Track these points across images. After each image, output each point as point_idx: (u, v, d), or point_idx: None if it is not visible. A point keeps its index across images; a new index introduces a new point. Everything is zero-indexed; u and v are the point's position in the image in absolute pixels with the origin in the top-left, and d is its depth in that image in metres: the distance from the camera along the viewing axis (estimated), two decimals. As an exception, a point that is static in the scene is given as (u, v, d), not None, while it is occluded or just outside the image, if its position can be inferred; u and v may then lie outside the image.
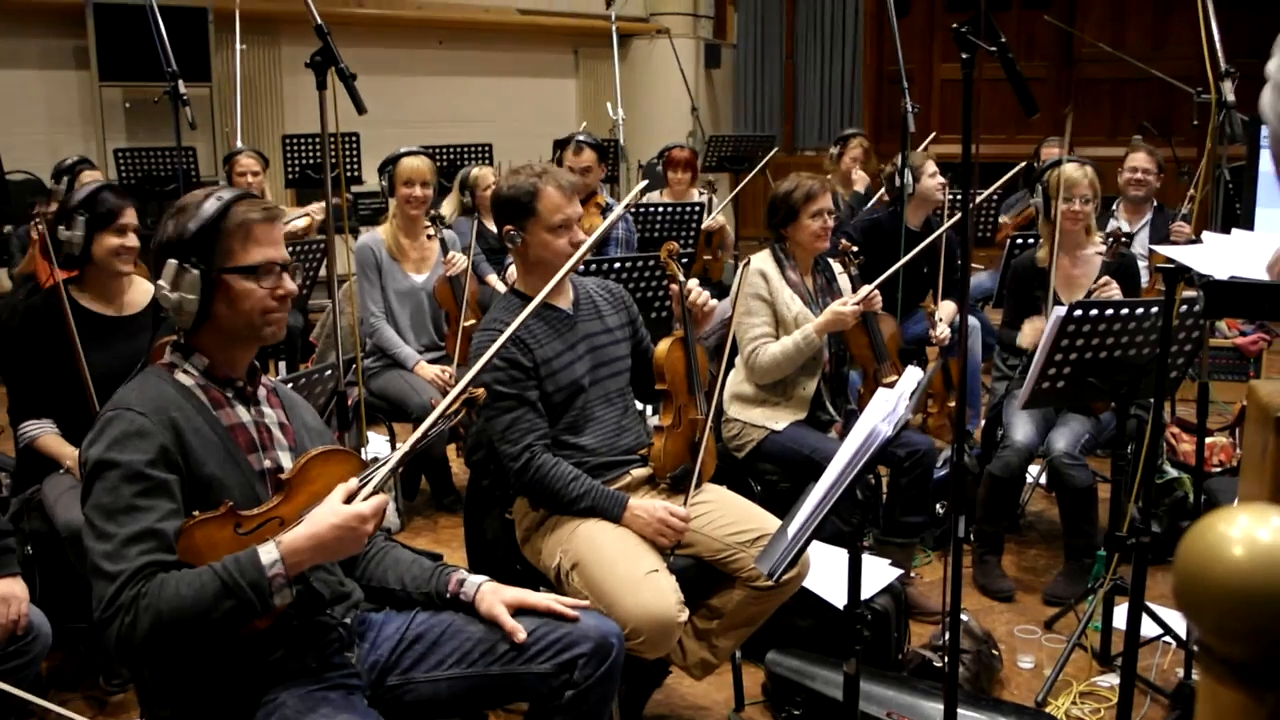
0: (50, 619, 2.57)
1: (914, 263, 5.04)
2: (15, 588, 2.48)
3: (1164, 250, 2.13)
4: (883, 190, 5.45)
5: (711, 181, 6.76)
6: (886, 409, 2.12)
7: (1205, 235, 2.23)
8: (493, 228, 3.34)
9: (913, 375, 2.23)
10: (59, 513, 3.01)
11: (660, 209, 5.64)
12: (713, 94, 11.66)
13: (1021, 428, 3.83)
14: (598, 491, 2.74)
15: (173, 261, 1.93)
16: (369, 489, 1.90)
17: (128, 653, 1.79)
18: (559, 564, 2.69)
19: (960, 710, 2.67)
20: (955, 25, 2.17)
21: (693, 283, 2.97)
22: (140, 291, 3.31)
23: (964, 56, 2.24)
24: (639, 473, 2.90)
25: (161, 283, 1.94)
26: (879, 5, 11.08)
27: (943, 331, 4.24)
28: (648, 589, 2.53)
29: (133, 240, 3.16)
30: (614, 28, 8.14)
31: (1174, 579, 0.82)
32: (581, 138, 5.22)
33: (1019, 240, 4.94)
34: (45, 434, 3.15)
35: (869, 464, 2.07)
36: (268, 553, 1.81)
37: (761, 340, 3.61)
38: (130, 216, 3.16)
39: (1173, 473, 4.07)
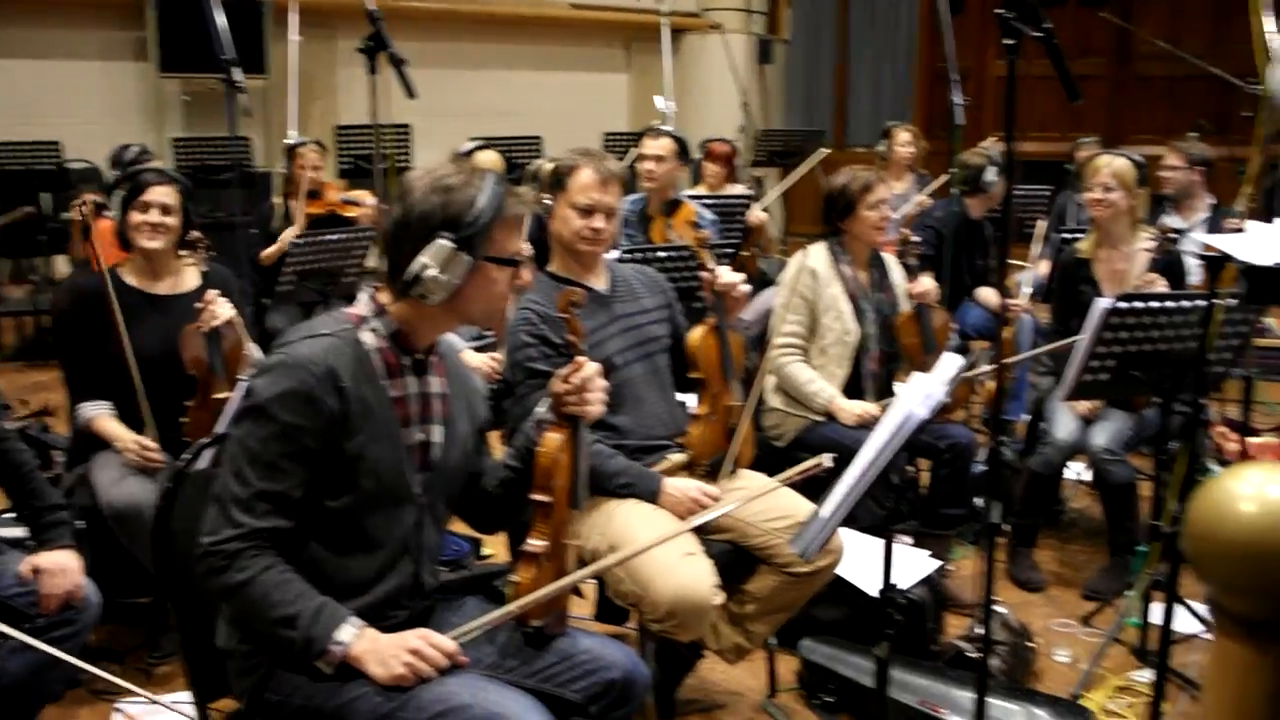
0: (100, 592, 2.64)
1: (969, 254, 5.08)
2: (70, 560, 2.55)
3: (1204, 238, 2.12)
4: (939, 181, 5.46)
5: (759, 178, 6.76)
6: (924, 392, 2.12)
7: (1249, 224, 2.21)
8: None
9: (951, 361, 2.23)
10: (103, 492, 3.08)
11: (711, 202, 5.64)
12: (765, 90, 11.64)
13: (1063, 423, 3.82)
14: (634, 469, 2.77)
15: (447, 243, 1.92)
16: (463, 634, 1.96)
17: (203, 586, 1.90)
18: (595, 546, 2.72)
19: (992, 700, 2.67)
20: (999, 10, 2.17)
21: (724, 269, 2.98)
22: (189, 275, 3.38)
23: (1008, 43, 2.24)
24: (676, 458, 2.91)
25: (426, 259, 1.92)
26: (933, 2, 11.00)
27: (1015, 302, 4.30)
28: (683, 571, 2.54)
29: (156, 217, 3.21)
30: (666, 22, 8.16)
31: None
32: (660, 125, 5.16)
33: (1065, 236, 4.91)
34: (101, 415, 3.22)
35: (903, 446, 2.08)
36: (346, 631, 1.87)
37: (788, 346, 3.64)
38: (159, 195, 3.21)
39: (1218, 470, 4.02)
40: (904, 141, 6.55)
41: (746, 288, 2.99)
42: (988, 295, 4.96)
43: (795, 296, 3.61)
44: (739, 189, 6.26)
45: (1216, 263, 2.16)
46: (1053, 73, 2.24)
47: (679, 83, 9.58)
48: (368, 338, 2.00)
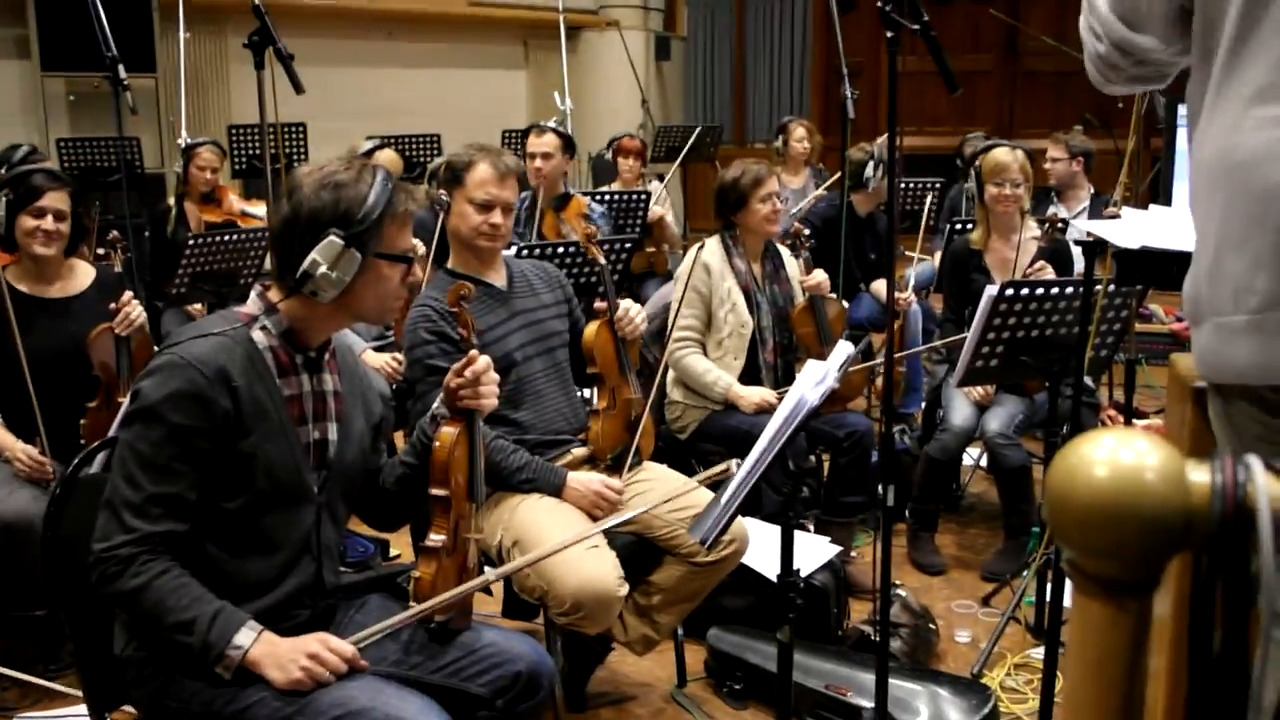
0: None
1: (860, 248, 5.18)
2: None
3: (1084, 225, 2.20)
4: (835, 177, 5.55)
5: (660, 174, 6.81)
6: (816, 378, 2.17)
7: (1124, 211, 2.30)
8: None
9: (843, 348, 2.28)
10: None
11: (610, 197, 5.67)
12: (663, 86, 11.71)
13: (959, 410, 3.92)
14: (536, 464, 2.78)
15: (337, 240, 1.90)
16: (365, 638, 1.94)
17: (97, 593, 1.86)
18: (500, 541, 2.72)
19: (894, 680, 2.74)
20: (880, 3, 2.22)
21: (625, 303, 3.00)
22: (80, 274, 3.30)
23: (888, 35, 2.29)
24: (579, 452, 2.93)
25: (316, 257, 1.90)
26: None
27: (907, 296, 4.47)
28: (588, 564, 2.56)
29: (50, 224, 3.13)
30: (562, 19, 8.16)
31: (1044, 502, 0.86)
32: (543, 122, 5.20)
33: (957, 227, 5.03)
34: None
35: (804, 434, 2.12)
36: (244, 635, 1.85)
37: (684, 340, 3.68)
38: (53, 200, 3.14)
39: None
40: (799, 137, 6.65)
41: (643, 326, 3.02)
42: (880, 288, 5.07)
43: (690, 290, 3.65)
44: (650, 186, 6.30)
45: (1092, 248, 2.24)
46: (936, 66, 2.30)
47: (578, 80, 9.59)
48: (259, 336, 1.98)
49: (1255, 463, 0.83)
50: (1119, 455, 0.83)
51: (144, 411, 1.86)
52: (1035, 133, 9.53)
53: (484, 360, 2.14)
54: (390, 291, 2.02)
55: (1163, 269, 2.06)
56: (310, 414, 2.04)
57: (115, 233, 3.44)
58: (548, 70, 10.57)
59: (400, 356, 4.43)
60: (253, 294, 2.04)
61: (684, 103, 12.10)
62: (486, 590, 2.67)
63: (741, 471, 2.14)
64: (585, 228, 3.20)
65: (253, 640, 1.85)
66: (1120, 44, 1.44)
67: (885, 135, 6.26)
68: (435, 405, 2.16)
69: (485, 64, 10.52)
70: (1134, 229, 2.02)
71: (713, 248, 3.75)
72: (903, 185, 5.47)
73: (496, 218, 2.83)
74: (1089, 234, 2.14)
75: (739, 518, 2.77)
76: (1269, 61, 1.25)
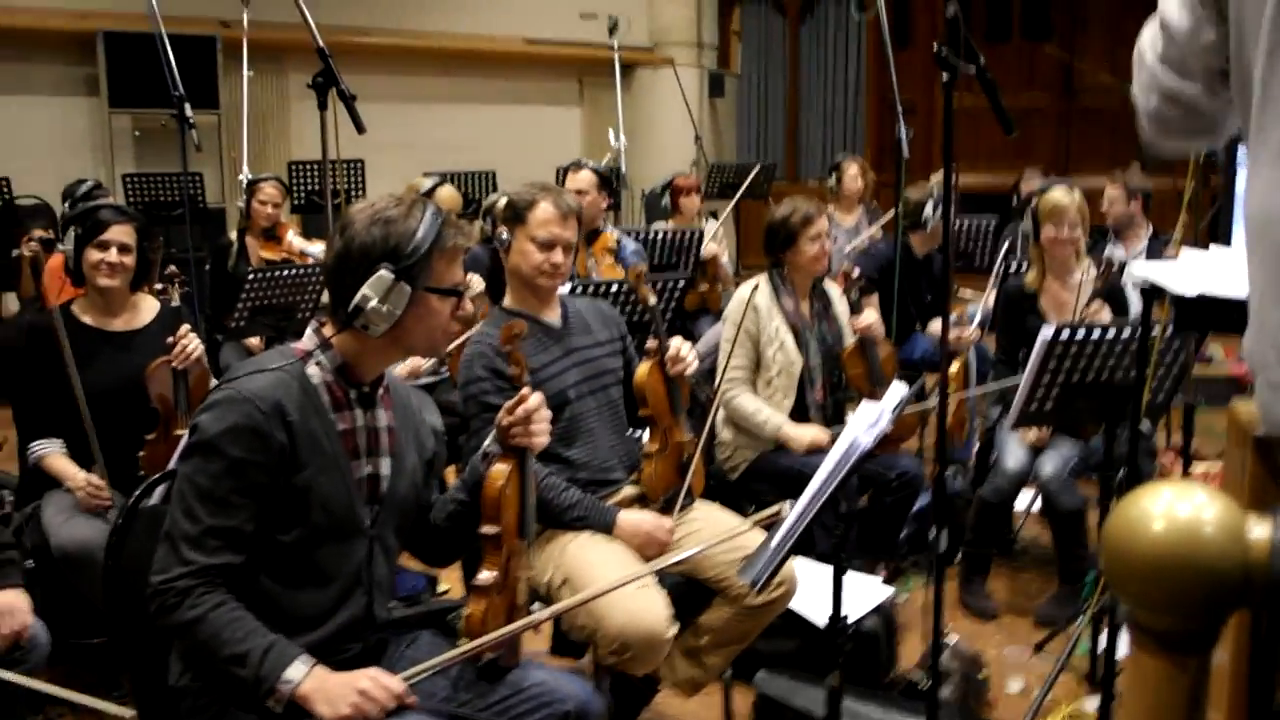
0: (52, 632, 2.61)
1: (916, 288, 5.15)
2: (18, 599, 2.53)
3: (1139, 268, 2.18)
4: (889, 215, 5.54)
5: (713, 212, 6.84)
6: (869, 421, 2.16)
7: (1184, 251, 2.28)
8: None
9: (897, 390, 2.27)
10: (54, 533, 3.05)
11: (663, 235, 5.70)
12: (716, 123, 11.76)
13: (1013, 452, 3.87)
14: (588, 502, 2.79)
15: (387, 274, 1.93)
16: (415, 675, 1.95)
17: (154, 624, 1.89)
18: (550, 578, 2.73)
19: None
20: (935, 45, 2.23)
21: (675, 341, 3.00)
22: (145, 308, 3.37)
23: (944, 78, 2.30)
24: (630, 491, 2.93)
25: (367, 291, 1.93)
26: (880, 36, 11.19)
27: (970, 332, 4.45)
28: (637, 604, 2.55)
29: (115, 256, 3.20)
30: (617, 57, 8.24)
31: (1101, 554, 0.86)
32: (583, 160, 5.26)
33: (1010, 268, 5.00)
34: (51, 454, 3.20)
35: (850, 474, 2.11)
36: (295, 669, 1.86)
37: (734, 380, 3.67)
38: (118, 234, 3.21)
39: (1164, 496, 4.09)
40: (852, 174, 6.64)
41: (694, 364, 3.01)
42: (936, 329, 5.02)
43: (738, 330, 3.65)
44: (705, 223, 6.33)
45: (1149, 294, 2.22)
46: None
47: (632, 116, 9.66)
48: (314, 371, 2.01)
49: (1314, 520, 0.82)
50: (1176, 509, 0.83)
51: (202, 445, 1.89)
52: (1091, 171, 9.47)
53: (536, 398, 2.16)
54: (440, 325, 2.05)
55: (1222, 313, 2.03)
56: (364, 448, 2.06)
57: (173, 267, 3.52)
58: (603, 107, 10.67)
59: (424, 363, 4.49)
60: (309, 329, 2.08)
61: (737, 139, 12.15)
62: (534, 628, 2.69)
63: (793, 514, 2.13)
64: (634, 268, 3.21)
65: (304, 675, 1.86)
66: (1169, 94, 1.42)
67: (940, 172, 6.27)
68: (487, 443, 2.18)
69: (541, 101, 10.64)
70: (1191, 273, 2.00)
71: (760, 287, 3.75)
72: (958, 224, 5.45)
73: (558, 256, 2.86)
74: (1146, 280, 2.12)
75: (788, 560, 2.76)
76: None
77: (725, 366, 3.59)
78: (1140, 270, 2.15)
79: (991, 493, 3.86)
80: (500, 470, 2.12)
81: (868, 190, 6.81)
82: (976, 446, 4.64)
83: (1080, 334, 3.18)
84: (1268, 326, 1.27)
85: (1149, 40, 1.44)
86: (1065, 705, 3.24)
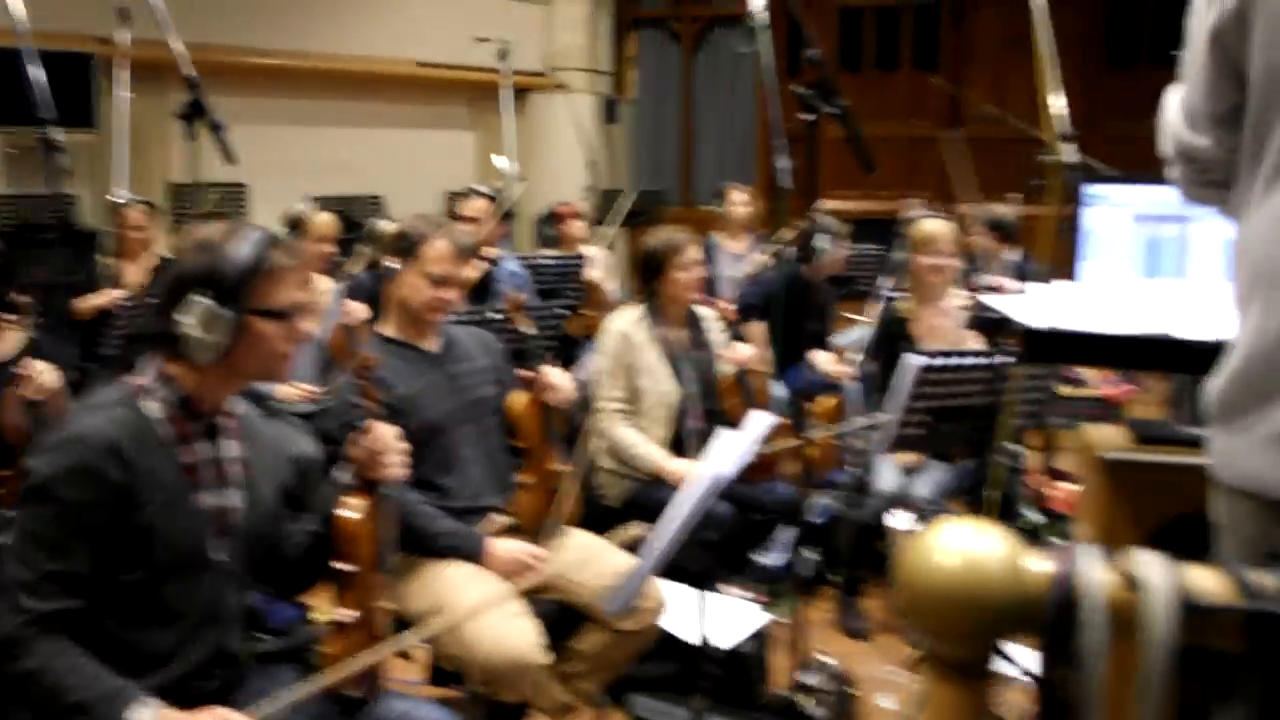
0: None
1: (801, 317, 5.24)
2: None
3: (989, 301, 2.26)
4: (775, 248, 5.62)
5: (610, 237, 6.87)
6: (731, 452, 2.20)
7: (1028, 286, 2.36)
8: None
9: (759, 420, 2.31)
10: None
11: (547, 262, 5.71)
12: (612, 150, 11.82)
13: (886, 475, 3.96)
14: (458, 530, 2.78)
15: (206, 301, 1.90)
16: (269, 713, 1.91)
17: None
18: (419, 608, 2.71)
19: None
20: (793, 88, 2.28)
21: (549, 371, 3.01)
22: (7, 339, 3.27)
23: (809, 118, 2.35)
24: (501, 520, 2.93)
25: (185, 318, 1.90)
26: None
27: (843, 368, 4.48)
28: (506, 632, 2.56)
29: None
30: (509, 81, 8.23)
31: (897, 590, 0.89)
32: (477, 187, 5.25)
33: (892, 296, 5.11)
34: None
35: (709, 502, 2.14)
36: (136, 712, 1.81)
37: (611, 412, 3.69)
38: None
39: (1032, 518, 4.22)
40: (739, 201, 6.73)
41: (569, 393, 3.03)
42: (820, 359, 5.09)
43: (611, 360, 3.68)
44: (589, 249, 6.35)
45: (993, 325, 2.30)
46: (886, 133, 2.36)
47: (525, 142, 9.64)
48: (152, 406, 1.96)
49: (1087, 552, 0.86)
50: (963, 545, 0.87)
51: (36, 489, 1.85)
52: (975, 198, 9.73)
53: (386, 430, 2.15)
54: (275, 350, 2.00)
55: (1077, 347, 2.10)
56: (211, 481, 2.02)
57: (22, 297, 3.35)
58: (495, 131, 10.63)
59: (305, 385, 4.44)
60: (144, 364, 2.02)
61: (631, 166, 12.22)
62: (405, 654, 2.67)
63: (654, 541, 2.16)
64: (510, 297, 3.23)
65: (147, 718, 1.82)
66: (1184, 152, 1.46)
67: (827, 204, 6.39)
68: (340, 474, 2.16)
69: (432, 124, 10.56)
70: (1040, 306, 2.07)
71: (632, 317, 3.78)
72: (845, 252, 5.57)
73: (450, 294, 2.87)
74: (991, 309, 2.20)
75: (658, 584, 2.79)
76: None
77: (599, 396, 3.60)
78: (991, 303, 2.22)
79: (866, 515, 3.94)
80: (354, 504, 2.10)
81: (757, 218, 6.90)
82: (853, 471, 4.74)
83: (947, 361, 3.28)
84: (1254, 380, 1.30)
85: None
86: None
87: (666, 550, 2.15)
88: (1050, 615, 0.85)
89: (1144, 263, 2.24)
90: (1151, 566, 0.84)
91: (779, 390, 4.83)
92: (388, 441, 2.13)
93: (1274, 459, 1.27)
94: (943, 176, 11.16)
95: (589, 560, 2.88)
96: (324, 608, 3.81)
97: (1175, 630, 0.83)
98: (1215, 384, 1.38)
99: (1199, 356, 1.88)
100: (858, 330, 5.73)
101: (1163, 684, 0.85)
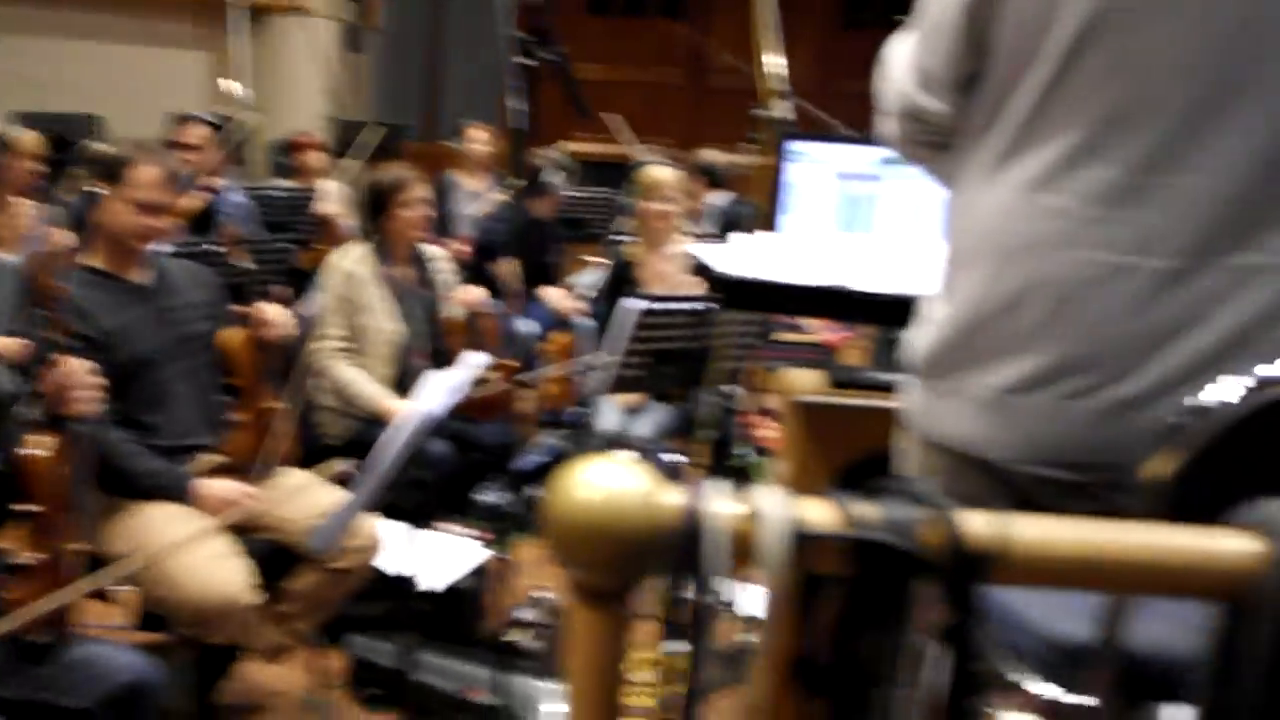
0: None
1: (533, 253, 5.28)
2: None
3: (690, 249, 2.36)
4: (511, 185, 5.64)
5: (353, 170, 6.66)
6: (442, 391, 2.22)
7: (731, 236, 2.49)
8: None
9: (471, 360, 2.35)
10: None
11: (277, 194, 5.52)
12: (358, 79, 11.46)
13: (608, 416, 4.08)
14: (164, 470, 2.70)
15: None
16: None
17: None
18: (122, 551, 2.61)
19: (531, 680, 2.85)
20: (516, 34, 2.30)
21: (267, 309, 2.95)
22: None
23: (525, 63, 2.38)
24: (211, 459, 2.86)
25: None
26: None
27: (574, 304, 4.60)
28: (212, 573, 2.51)
29: None
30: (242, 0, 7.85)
31: (546, 522, 0.95)
32: (198, 113, 5.01)
33: (622, 240, 5.22)
34: None
35: (420, 440, 2.17)
36: None
37: (331, 348, 3.65)
38: None
39: (746, 455, 4.44)
40: (478, 140, 6.70)
41: (287, 326, 2.98)
42: (551, 295, 5.18)
43: (334, 298, 3.63)
44: (327, 183, 6.17)
45: (699, 271, 2.40)
46: (627, 78, 2.39)
47: (265, 67, 9.23)
48: None
49: (715, 487, 0.94)
50: (604, 480, 0.94)
51: None
52: (721, 146, 10.00)
53: (74, 364, 2.06)
54: None
55: (767, 296, 2.21)
56: None
57: None
58: (229, 54, 10.12)
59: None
60: None
61: (375, 97, 11.89)
62: (100, 596, 2.58)
63: (363, 479, 2.17)
64: (225, 231, 3.13)
65: None
66: (911, 111, 1.47)
67: (559, 143, 6.44)
68: (25, 410, 2.07)
69: (156, 41, 9.94)
70: (740, 256, 2.18)
71: (356, 254, 3.74)
72: (577, 194, 5.64)
73: (159, 223, 2.76)
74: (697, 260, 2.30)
75: (372, 522, 2.80)
76: (1059, 149, 1.30)
77: (321, 336, 3.55)
78: (693, 250, 2.32)
79: (586, 455, 4.05)
80: (41, 441, 2.01)
81: (497, 157, 6.87)
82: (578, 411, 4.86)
83: (665, 306, 3.40)
84: (978, 345, 1.34)
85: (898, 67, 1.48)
86: (648, 650, 3.46)
87: (375, 488, 2.16)
88: (678, 545, 0.92)
89: (843, 218, 2.39)
90: (768, 499, 0.93)
91: (530, 326, 4.88)
92: (78, 376, 2.05)
93: (979, 421, 1.35)
94: (689, 124, 11.45)
95: (300, 498, 2.85)
96: (15, 550, 3.64)
97: (788, 557, 0.92)
98: (921, 340, 1.44)
99: (877, 308, 2.05)
100: (592, 273, 5.86)
101: (779, 604, 0.93)
